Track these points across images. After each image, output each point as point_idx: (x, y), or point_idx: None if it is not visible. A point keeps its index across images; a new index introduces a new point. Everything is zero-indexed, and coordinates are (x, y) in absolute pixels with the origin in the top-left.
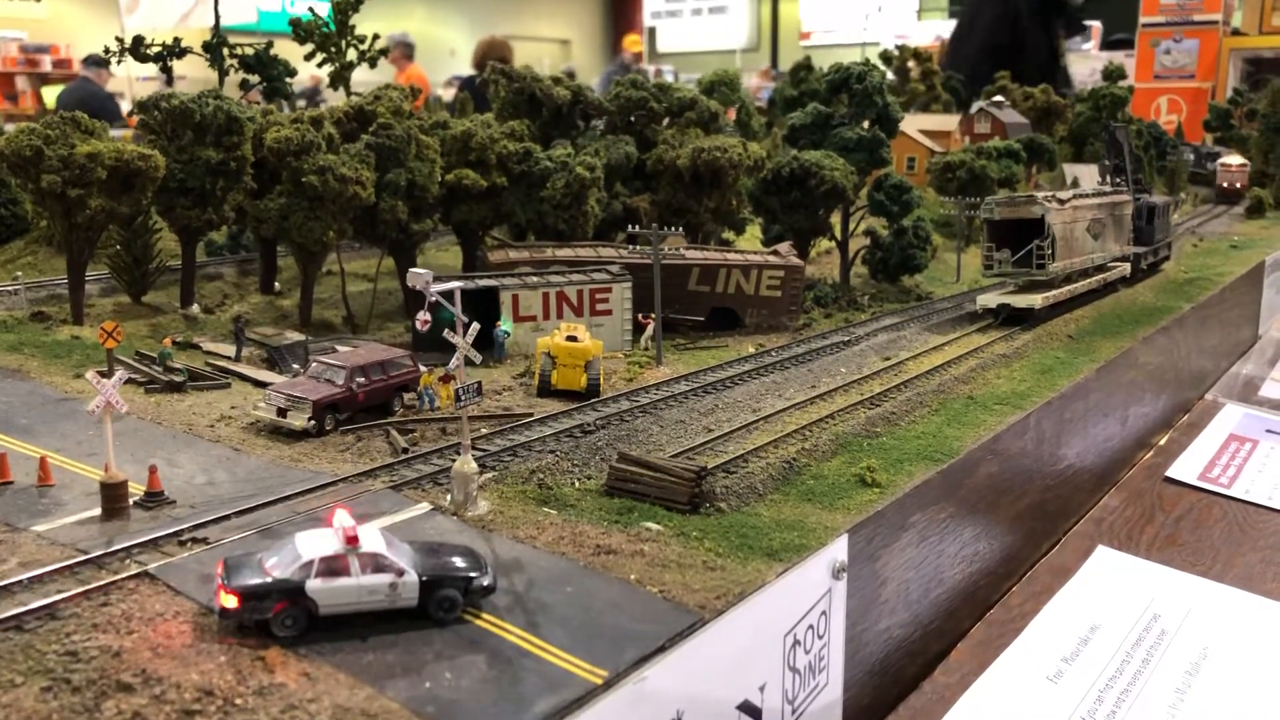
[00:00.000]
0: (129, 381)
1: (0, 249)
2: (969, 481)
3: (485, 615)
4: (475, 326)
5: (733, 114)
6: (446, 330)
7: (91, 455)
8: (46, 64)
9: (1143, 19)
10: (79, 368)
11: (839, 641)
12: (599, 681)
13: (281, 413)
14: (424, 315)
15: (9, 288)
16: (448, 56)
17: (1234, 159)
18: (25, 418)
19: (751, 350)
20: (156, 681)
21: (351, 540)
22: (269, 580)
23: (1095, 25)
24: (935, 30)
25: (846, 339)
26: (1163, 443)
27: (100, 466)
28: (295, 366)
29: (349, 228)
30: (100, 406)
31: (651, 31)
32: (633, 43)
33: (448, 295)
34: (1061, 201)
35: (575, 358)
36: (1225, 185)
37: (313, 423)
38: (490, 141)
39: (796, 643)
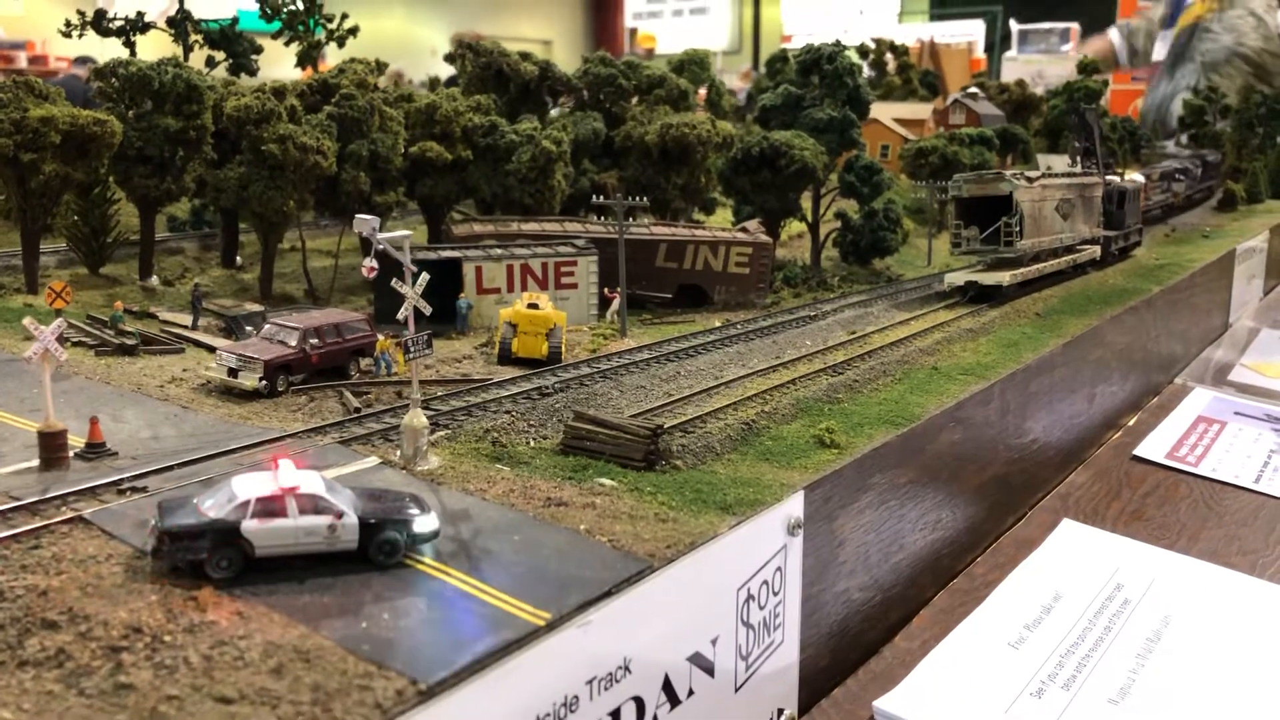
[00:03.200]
0: (78, 344)
1: None
2: (931, 448)
3: (427, 560)
4: (425, 276)
5: (704, 94)
6: (395, 280)
7: (34, 411)
8: (22, 60)
9: (1119, 21)
10: (28, 333)
11: (795, 600)
12: (541, 624)
13: (233, 373)
14: (370, 263)
15: None
16: (428, 56)
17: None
18: None
19: (718, 324)
20: (83, 619)
21: (288, 486)
22: (203, 520)
23: (1074, 27)
24: (916, 33)
25: (813, 314)
26: (1131, 423)
27: (38, 426)
28: (252, 335)
29: (310, 198)
30: (38, 354)
31: (633, 32)
32: (646, 39)
33: (396, 245)
34: (1030, 180)
35: (537, 325)
36: None
37: (264, 383)
38: (455, 114)
39: (750, 597)
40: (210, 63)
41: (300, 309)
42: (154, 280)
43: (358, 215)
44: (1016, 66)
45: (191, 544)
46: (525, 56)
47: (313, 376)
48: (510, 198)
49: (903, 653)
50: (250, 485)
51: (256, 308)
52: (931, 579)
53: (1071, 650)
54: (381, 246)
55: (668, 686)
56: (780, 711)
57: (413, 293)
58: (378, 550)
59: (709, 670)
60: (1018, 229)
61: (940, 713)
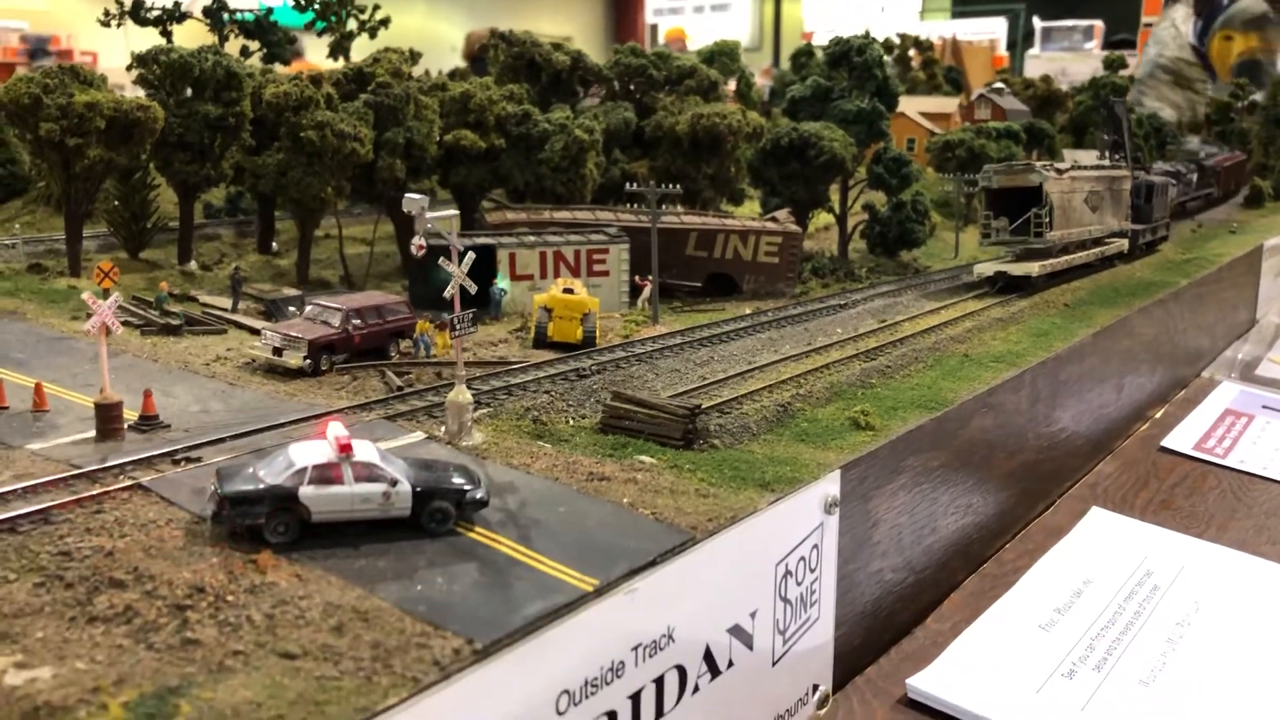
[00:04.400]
0: (125, 324)
1: None
2: (963, 432)
3: (478, 529)
4: (471, 255)
5: (733, 86)
6: (441, 259)
7: (86, 386)
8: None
9: (1144, 19)
10: (75, 312)
11: (830, 577)
12: (590, 589)
13: (277, 352)
14: (419, 240)
15: (7, 241)
16: (448, 52)
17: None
18: (20, 353)
19: (749, 312)
20: (149, 579)
21: (345, 448)
22: (262, 486)
23: (1097, 24)
24: (938, 30)
25: (842, 303)
26: (1159, 415)
27: (92, 398)
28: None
29: (346, 185)
30: (96, 327)
31: (653, 29)
32: (677, 32)
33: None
34: (1060, 171)
35: (572, 310)
36: None
37: (308, 362)
38: (489, 103)
39: (788, 573)
40: (245, 52)
41: (338, 293)
42: (193, 265)
43: (407, 195)
44: (1039, 63)
45: (250, 509)
46: (557, 47)
47: (354, 357)
48: (542, 186)
49: (934, 634)
50: (307, 453)
51: (294, 292)
52: (962, 563)
53: (1102, 633)
54: (430, 225)
55: (709, 657)
56: (815, 687)
57: (459, 271)
58: (430, 518)
59: (748, 643)
60: (1047, 220)
61: (973, 692)
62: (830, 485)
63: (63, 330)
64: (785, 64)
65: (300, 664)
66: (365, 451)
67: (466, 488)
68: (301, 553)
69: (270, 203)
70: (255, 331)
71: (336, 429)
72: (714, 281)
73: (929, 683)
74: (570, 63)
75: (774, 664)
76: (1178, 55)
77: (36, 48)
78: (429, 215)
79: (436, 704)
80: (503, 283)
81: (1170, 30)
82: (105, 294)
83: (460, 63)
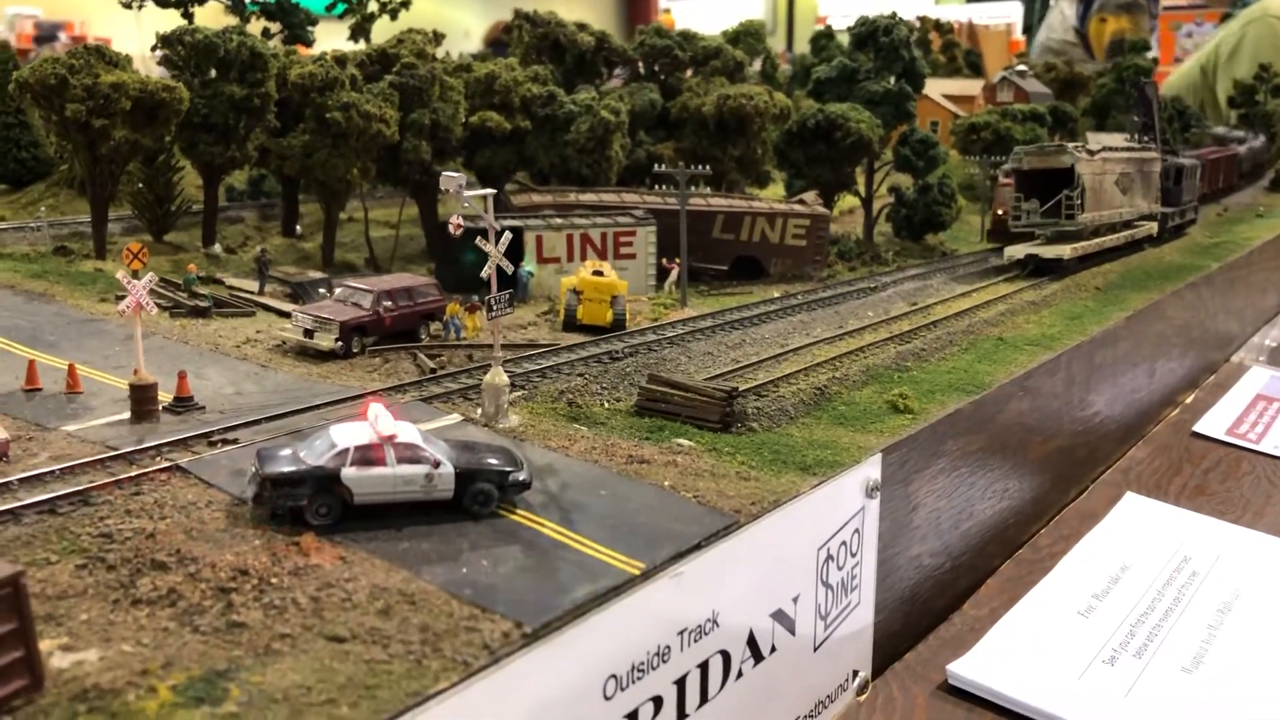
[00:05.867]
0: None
1: (21, 191)
2: (1000, 416)
3: (520, 511)
4: (508, 235)
5: (758, 67)
6: (479, 239)
7: (118, 368)
8: (62, 41)
9: (1164, 2)
10: (104, 294)
11: (871, 562)
12: (637, 572)
13: (308, 334)
14: (457, 219)
15: (32, 224)
16: (461, 37)
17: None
18: (52, 335)
19: (777, 295)
20: (191, 561)
21: (386, 428)
22: (304, 468)
23: None
24: (954, 15)
25: (872, 286)
26: (1190, 400)
27: (124, 379)
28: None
29: (372, 167)
30: (131, 307)
31: (667, 14)
32: (666, 21)
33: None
34: (1091, 152)
35: (601, 292)
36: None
37: (340, 344)
38: (514, 84)
39: (830, 557)
40: (265, 34)
41: (365, 275)
42: (217, 248)
43: (445, 173)
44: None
45: (292, 490)
46: (582, 27)
47: (384, 339)
48: (568, 168)
49: (972, 619)
50: (349, 434)
51: (320, 275)
52: (998, 549)
53: (1141, 620)
54: (468, 204)
55: (752, 642)
56: (855, 673)
57: (496, 251)
58: (472, 500)
59: (790, 629)
60: (1079, 202)
61: (1013, 678)
62: (871, 469)
63: (92, 312)
64: (799, 48)
65: (349, 647)
66: (407, 433)
67: (509, 470)
68: (344, 535)
69: (294, 185)
70: (282, 314)
71: (376, 406)
72: (740, 264)
73: (969, 669)
74: (595, 43)
75: (815, 649)
76: (1063, 38)
77: (50, 34)
78: (466, 194)
79: (485, 689)
80: (529, 265)
81: (1058, 15)
82: (135, 275)
83: (473, 48)
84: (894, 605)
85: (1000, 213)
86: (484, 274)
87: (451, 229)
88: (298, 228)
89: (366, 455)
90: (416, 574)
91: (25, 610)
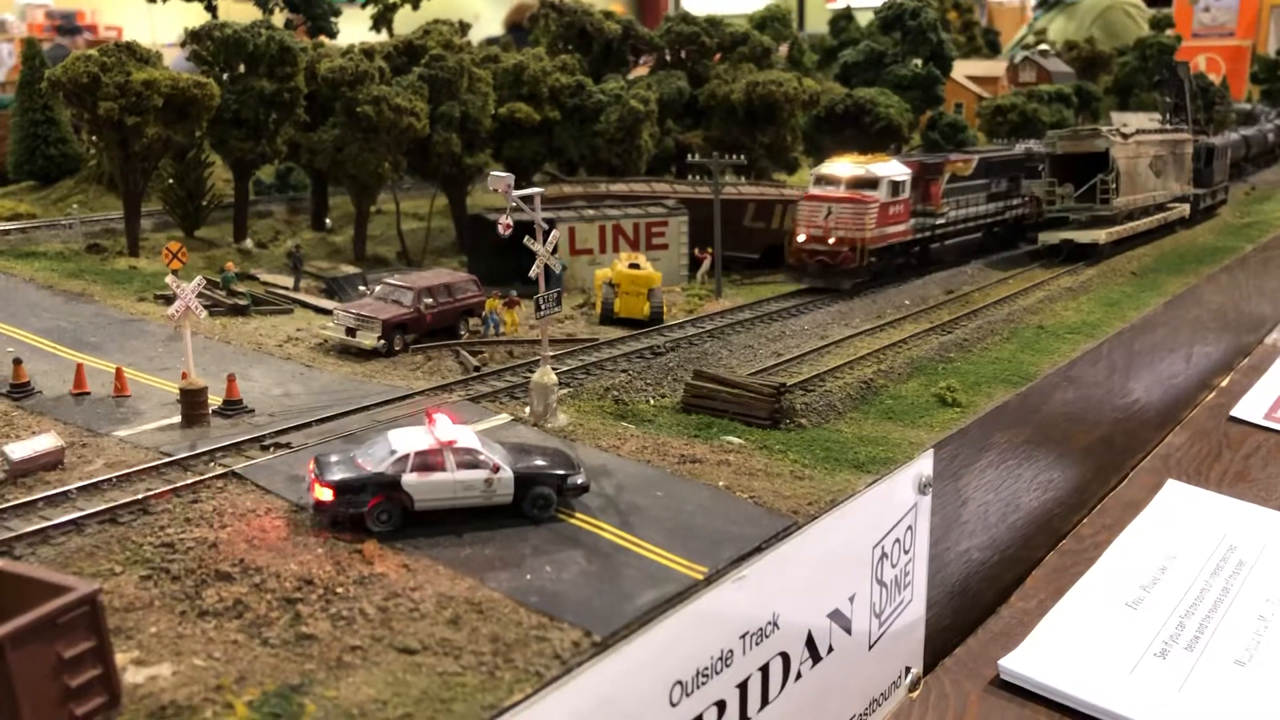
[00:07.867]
0: None
1: (51, 187)
2: (1045, 407)
3: (579, 514)
4: (555, 234)
5: (785, 51)
6: (526, 237)
7: (163, 370)
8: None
9: None
10: (141, 293)
11: (923, 558)
12: (700, 577)
13: (350, 332)
14: (506, 219)
15: (64, 221)
16: (473, 20)
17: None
18: (94, 336)
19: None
20: (255, 571)
21: (445, 436)
22: (364, 474)
23: None
24: None
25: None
26: (1224, 384)
27: (171, 382)
28: (366, 295)
29: (403, 160)
30: (180, 311)
31: (677, 4)
32: None
33: (528, 200)
34: (1125, 136)
35: (638, 285)
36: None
37: (382, 342)
38: (543, 74)
39: (884, 555)
40: (289, 26)
41: (397, 270)
42: (249, 243)
43: (492, 173)
44: None
45: (353, 497)
46: (608, 15)
47: (425, 336)
48: (597, 158)
49: (1020, 612)
50: (408, 439)
51: (353, 270)
52: (1043, 539)
53: (1191, 611)
54: (515, 203)
55: (810, 643)
56: (907, 670)
57: (543, 249)
58: (532, 504)
59: (847, 628)
60: (1114, 186)
61: (1066, 673)
62: (924, 465)
63: (131, 312)
64: (810, 28)
65: (420, 659)
66: (466, 437)
67: (567, 473)
68: (405, 541)
69: (324, 179)
70: (320, 310)
71: (441, 416)
72: (771, 253)
73: (1021, 663)
74: (622, 31)
75: (870, 647)
76: None
77: (62, 24)
78: (514, 193)
79: (558, 700)
80: (563, 257)
81: None
82: (173, 274)
83: (486, 33)
84: (944, 600)
85: (802, 239)
86: (531, 273)
87: (501, 229)
88: (327, 221)
89: (426, 461)
90: (482, 581)
91: (102, 628)
